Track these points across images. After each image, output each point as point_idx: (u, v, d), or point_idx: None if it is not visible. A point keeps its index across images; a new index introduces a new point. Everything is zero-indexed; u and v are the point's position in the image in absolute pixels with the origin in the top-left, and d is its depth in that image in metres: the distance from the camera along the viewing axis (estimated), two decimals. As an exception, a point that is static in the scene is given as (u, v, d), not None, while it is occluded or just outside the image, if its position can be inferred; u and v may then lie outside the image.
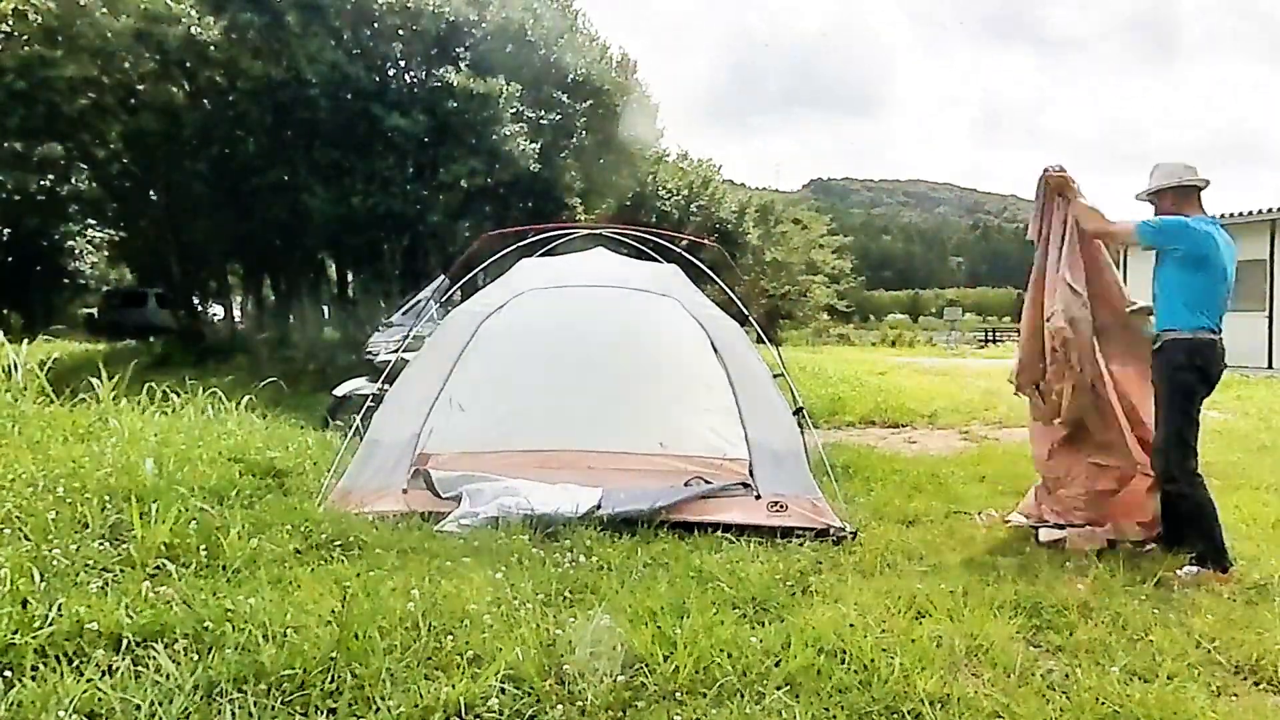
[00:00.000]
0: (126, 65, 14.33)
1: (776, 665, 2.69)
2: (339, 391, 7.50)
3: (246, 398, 6.56)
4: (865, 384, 11.75)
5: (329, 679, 2.43)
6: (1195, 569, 3.80)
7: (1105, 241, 4.40)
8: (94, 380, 5.93)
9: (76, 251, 29.62)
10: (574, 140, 18.02)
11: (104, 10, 13.54)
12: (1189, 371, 3.98)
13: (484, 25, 16.41)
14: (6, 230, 25.94)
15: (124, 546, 3.34)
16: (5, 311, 28.38)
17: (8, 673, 2.34)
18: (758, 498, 4.65)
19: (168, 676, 2.38)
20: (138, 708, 2.24)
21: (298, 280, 21.00)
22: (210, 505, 3.86)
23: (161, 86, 14.89)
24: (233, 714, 2.26)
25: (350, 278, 21.27)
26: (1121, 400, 4.41)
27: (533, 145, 15.56)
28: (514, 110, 15.33)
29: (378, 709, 2.34)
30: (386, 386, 5.70)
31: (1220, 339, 4.04)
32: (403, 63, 16.37)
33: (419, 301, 7.85)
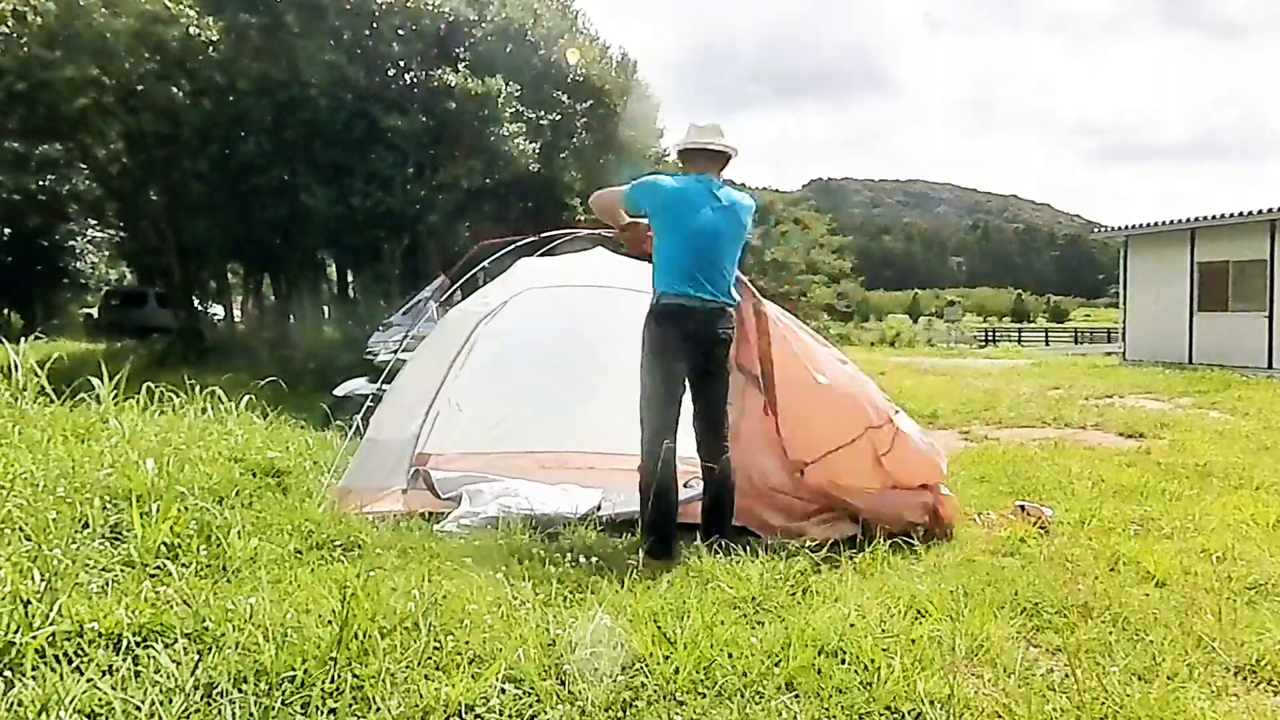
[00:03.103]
0: (126, 65, 14.32)
1: (776, 665, 2.69)
2: (339, 391, 7.51)
3: (246, 398, 6.56)
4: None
5: (329, 679, 2.43)
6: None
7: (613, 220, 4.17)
8: (94, 380, 5.92)
9: (76, 251, 29.65)
10: (574, 140, 18.03)
11: (104, 11, 13.54)
12: (660, 341, 3.88)
13: (484, 25, 16.41)
14: (7, 230, 25.95)
15: (124, 546, 3.34)
16: (5, 311, 28.40)
17: (8, 673, 2.34)
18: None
19: (168, 676, 2.38)
20: (138, 708, 2.24)
21: (298, 280, 21.02)
22: (210, 505, 3.86)
23: (161, 86, 14.87)
24: (233, 714, 2.26)
25: (350, 278, 21.29)
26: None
27: (532, 145, 15.56)
28: (513, 110, 15.33)
29: (378, 709, 2.34)
30: (385, 386, 5.71)
31: (695, 303, 3.87)
32: (402, 63, 16.37)
33: (419, 301, 7.86)
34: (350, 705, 2.35)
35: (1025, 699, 2.52)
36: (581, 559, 3.70)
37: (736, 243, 4.05)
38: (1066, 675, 2.69)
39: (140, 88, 14.97)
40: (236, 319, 24.79)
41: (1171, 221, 17.44)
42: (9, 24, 13.02)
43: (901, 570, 3.76)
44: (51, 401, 5.71)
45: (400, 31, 15.67)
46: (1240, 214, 15.96)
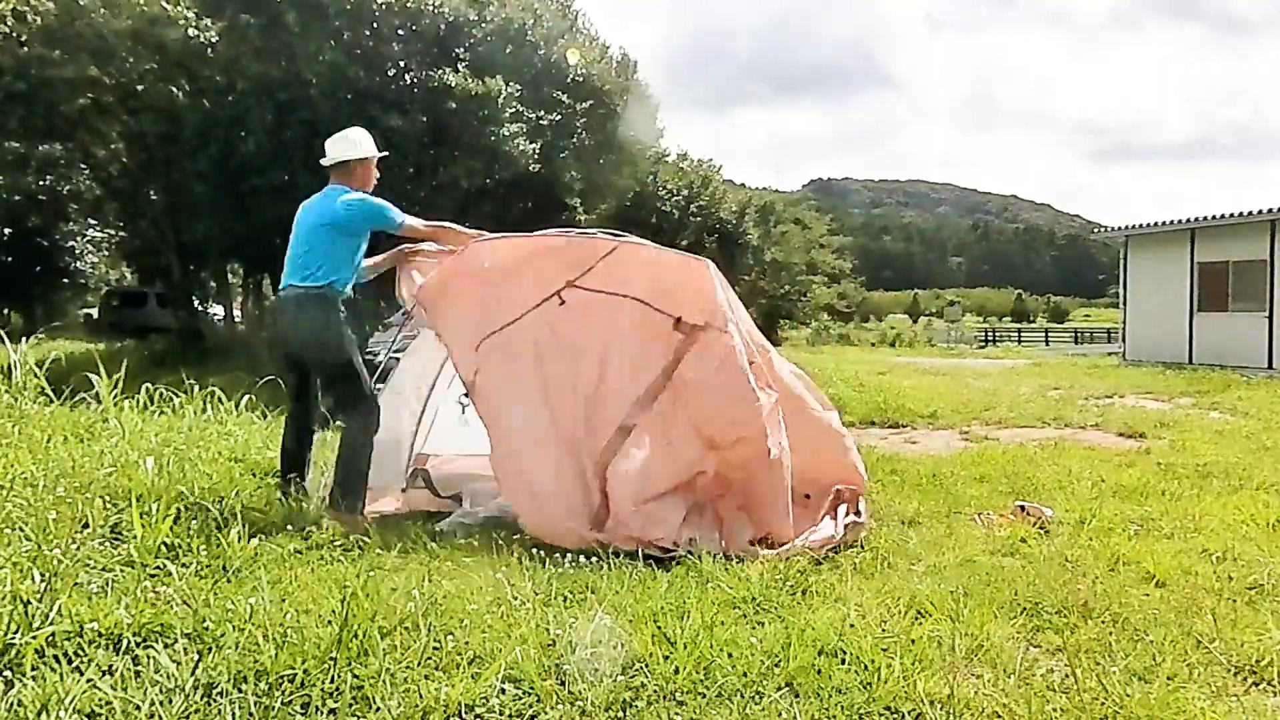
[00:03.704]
0: (126, 65, 14.34)
1: (776, 665, 2.69)
2: (339, 392, 7.49)
3: (246, 397, 6.56)
4: (865, 384, 11.75)
5: (329, 679, 2.43)
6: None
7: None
8: (94, 380, 5.93)
9: (76, 251, 29.67)
10: (574, 140, 18.01)
11: (103, 11, 13.55)
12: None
13: (484, 25, 16.42)
14: (7, 230, 25.97)
15: (124, 546, 3.34)
16: (5, 311, 28.40)
17: (8, 673, 2.34)
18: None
19: (168, 676, 2.38)
20: (138, 708, 2.24)
21: (298, 280, 21.00)
22: (210, 505, 3.86)
23: (161, 86, 14.88)
24: (233, 714, 2.26)
25: (350, 278, 21.27)
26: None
27: (533, 145, 15.56)
28: (513, 110, 15.33)
29: (378, 709, 2.34)
30: (380, 386, 5.70)
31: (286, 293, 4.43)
32: (402, 63, 16.37)
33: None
34: (350, 705, 2.35)
35: (1025, 699, 2.52)
36: (581, 559, 3.70)
37: (313, 227, 4.51)
38: (1066, 675, 2.69)
39: (140, 88, 14.99)
40: (236, 319, 24.79)
41: (1171, 221, 17.44)
42: (9, 23, 13.02)
43: (901, 570, 3.77)
44: (51, 401, 5.71)
45: (400, 31, 15.67)
46: (1240, 214, 15.96)
